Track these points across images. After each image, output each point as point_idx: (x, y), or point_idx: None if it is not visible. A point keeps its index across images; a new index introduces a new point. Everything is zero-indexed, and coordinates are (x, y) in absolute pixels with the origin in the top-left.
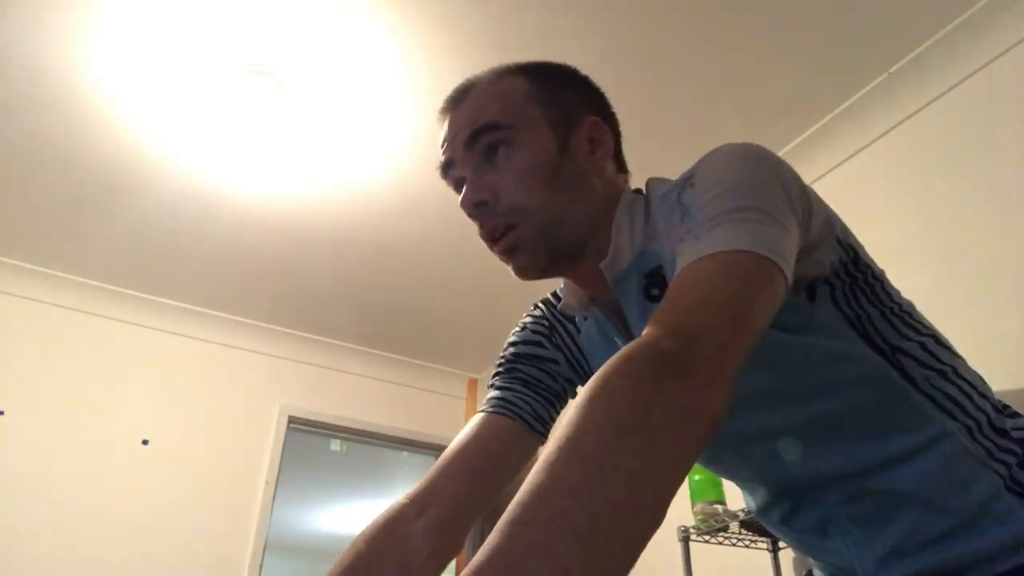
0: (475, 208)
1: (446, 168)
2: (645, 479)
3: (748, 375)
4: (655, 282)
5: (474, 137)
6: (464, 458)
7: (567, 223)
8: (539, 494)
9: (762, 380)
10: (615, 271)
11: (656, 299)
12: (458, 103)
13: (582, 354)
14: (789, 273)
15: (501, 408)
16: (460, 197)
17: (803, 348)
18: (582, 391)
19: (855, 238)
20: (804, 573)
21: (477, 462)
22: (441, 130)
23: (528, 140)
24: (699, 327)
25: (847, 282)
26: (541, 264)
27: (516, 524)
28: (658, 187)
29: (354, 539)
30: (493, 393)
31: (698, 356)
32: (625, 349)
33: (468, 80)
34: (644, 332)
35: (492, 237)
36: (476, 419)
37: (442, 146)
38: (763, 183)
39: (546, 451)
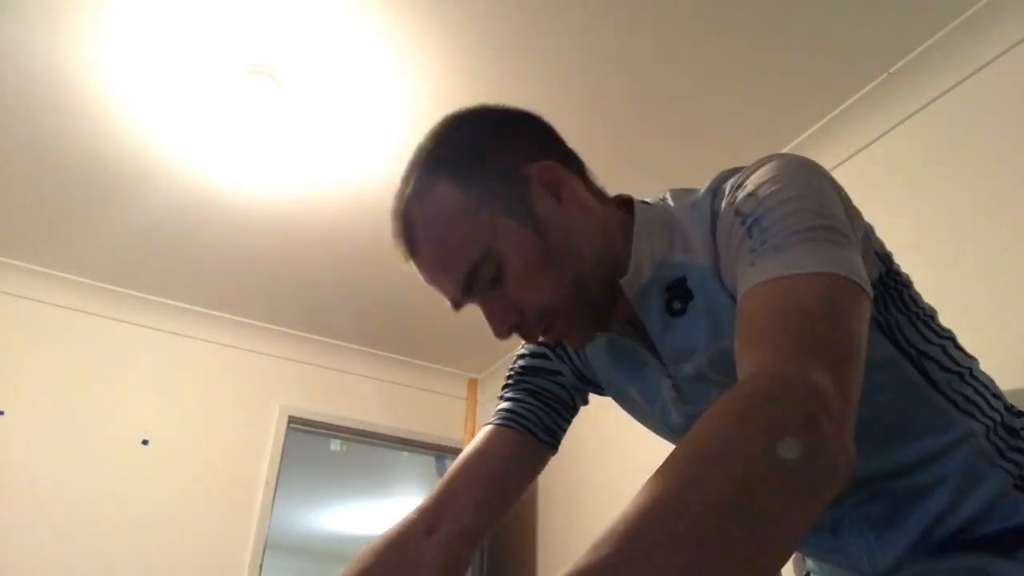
0: (512, 333)
1: (455, 306)
2: (783, 528)
3: None
4: (677, 295)
5: (468, 285)
6: (473, 472)
7: (589, 285)
8: (675, 511)
9: None
10: (636, 286)
11: (678, 312)
12: (415, 247)
13: (585, 364)
14: (871, 302)
15: (509, 420)
16: (491, 327)
17: None
18: (724, 403)
19: (884, 245)
20: (803, 574)
21: (486, 476)
22: (409, 265)
23: (507, 244)
24: (839, 365)
25: (880, 290)
26: (591, 331)
27: (640, 536)
28: (683, 196)
29: (363, 552)
30: (502, 405)
31: (844, 400)
32: (774, 374)
33: (401, 211)
34: (780, 348)
35: (537, 339)
36: (484, 432)
37: (430, 284)
38: (831, 201)
39: (682, 457)
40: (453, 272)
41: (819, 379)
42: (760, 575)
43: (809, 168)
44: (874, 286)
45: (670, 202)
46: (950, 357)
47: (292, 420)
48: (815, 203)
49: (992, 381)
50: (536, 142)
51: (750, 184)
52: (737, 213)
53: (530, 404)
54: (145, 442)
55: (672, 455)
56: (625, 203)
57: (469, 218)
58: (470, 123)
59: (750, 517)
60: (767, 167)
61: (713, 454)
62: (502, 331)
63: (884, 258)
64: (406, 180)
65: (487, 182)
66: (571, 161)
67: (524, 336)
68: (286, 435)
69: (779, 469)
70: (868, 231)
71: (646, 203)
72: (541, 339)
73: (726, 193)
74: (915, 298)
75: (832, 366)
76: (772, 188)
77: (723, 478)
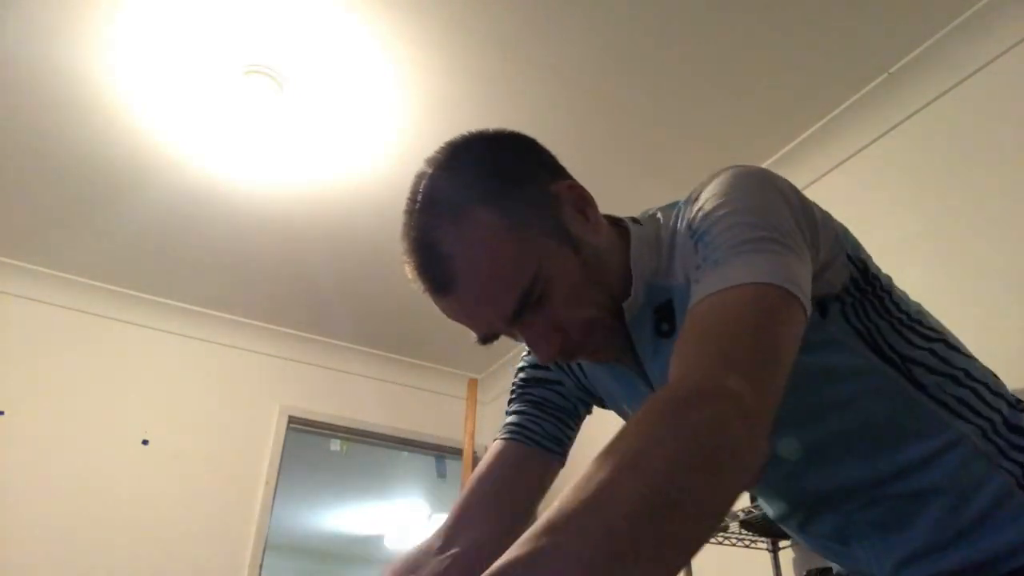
0: (560, 353)
1: (485, 341)
2: (696, 521)
3: None
4: (664, 317)
5: (518, 312)
6: (485, 488)
7: (617, 299)
8: (595, 509)
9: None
10: (633, 310)
11: (666, 334)
12: (450, 279)
13: (586, 377)
14: (808, 307)
15: (516, 435)
16: (536, 352)
17: (817, 365)
18: (644, 410)
19: (863, 249)
20: (806, 572)
21: (498, 491)
22: (438, 305)
23: (553, 266)
24: (757, 370)
25: (857, 297)
26: (623, 342)
27: (566, 533)
28: (668, 213)
29: (380, 573)
30: (509, 419)
31: (760, 402)
32: (693, 382)
33: (426, 242)
34: (701, 360)
35: (578, 358)
36: (494, 447)
37: (460, 318)
38: (777, 211)
39: (603, 462)
40: (502, 301)
41: (734, 384)
42: (670, 565)
43: (757, 178)
44: (847, 291)
45: (659, 218)
46: (942, 359)
47: (292, 420)
48: (756, 215)
49: (994, 377)
50: (549, 163)
51: (701, 198)
52: (689, 229)
53: (534, 416)
54: (145, 442)
55: (595, 459)
56: (614, 221)
57: (515, 242)
58: (484, 147)
59: (662, 513)
60: (717, 180)
61: (630, 457)
62: (551, 353)
63: (859, 261)
64: (424, 210)
65: (523, 204)
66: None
67: (569, 355)
68: (286, 435)
69: (692, 469)
70: (840, 236)
71: (636, 222)
72: (586, 360)
73: (685, 209)
74: (897, 302)
75: (750, 372)
76: (717, 202)
77: (638, 478)
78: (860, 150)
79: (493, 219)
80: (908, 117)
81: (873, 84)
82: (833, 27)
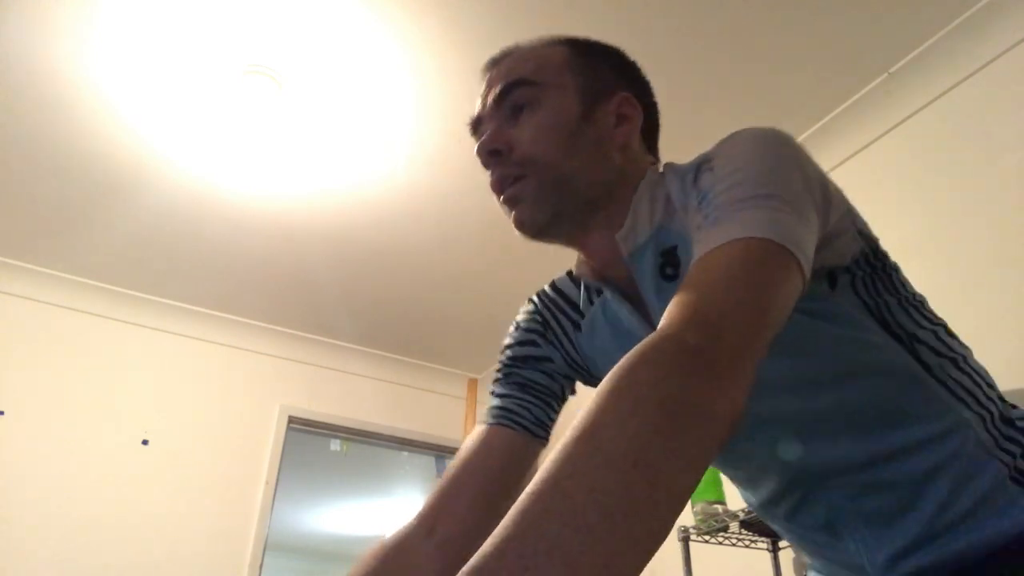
0: (489, 156)
1: (476, 124)
2: (665, 479)
3: (771, 359)
4: (670, 261)
5: (504, 94)
6: (468, 474)
7: (574, 185)
8: (555, 485)
9: (784, 365)
10: (631, 244)
11: (670, 278)
12: (497, 63)
13: (577, 351)
14: (807, 265)
15: (502, 419)
16: (479, 143)
17: (825, 334)
18: (604, 380)
19: (871, 229)
20: (804, 574)
21: (481, 477)
22: (480, 88)
23: (553, 100)
24: (724, 321)
25: (867, 271)
26: (540, 221)
27: (528, 515)
28: (676, 170)
29: (362, 557)
30: (493, 402)
31: (723, 352)
32: (648, 339)
33: (515, 44)
34: (665, 320)
35: (500, 186)
36: (478, 431)
37: (482, 97)
38: (784, 171)
39: (563, 440)
40: (502, 81)
41: (691, 337)
42: (650, 526)
43: (768, 138)
44: (857, 265)
45: (668, 173)
46: (943, 343)
47: (292, 420)
48: (762, 174)
49: (985, 371)
50: (643, 90)
51: (713, 160)
52: (696, 188)
53: (520, 399)
54: (145, 442)
55: (563, 439)
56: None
57: (553, 65)
58: (608, 45)
59: (624, 477)
60: (730, 142)
61: (587, 425)
62: (488, 147)
63: (870, 238)
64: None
65: (586, 67)
66: (649, 115)
67: (493, 170)
68: (286, 435)
69: (645, 427)
70: (851, 210)
71: (673, 167)
72: (503, 194)
73: (700, 168)
74: (904, 283)
75: (717, 324)
76: (726, 162)
77: (594, 446)
78: (860, 150)
79: (559, 51)
80: (908, 117)
81: (873, 84)
82: (833, 27)
